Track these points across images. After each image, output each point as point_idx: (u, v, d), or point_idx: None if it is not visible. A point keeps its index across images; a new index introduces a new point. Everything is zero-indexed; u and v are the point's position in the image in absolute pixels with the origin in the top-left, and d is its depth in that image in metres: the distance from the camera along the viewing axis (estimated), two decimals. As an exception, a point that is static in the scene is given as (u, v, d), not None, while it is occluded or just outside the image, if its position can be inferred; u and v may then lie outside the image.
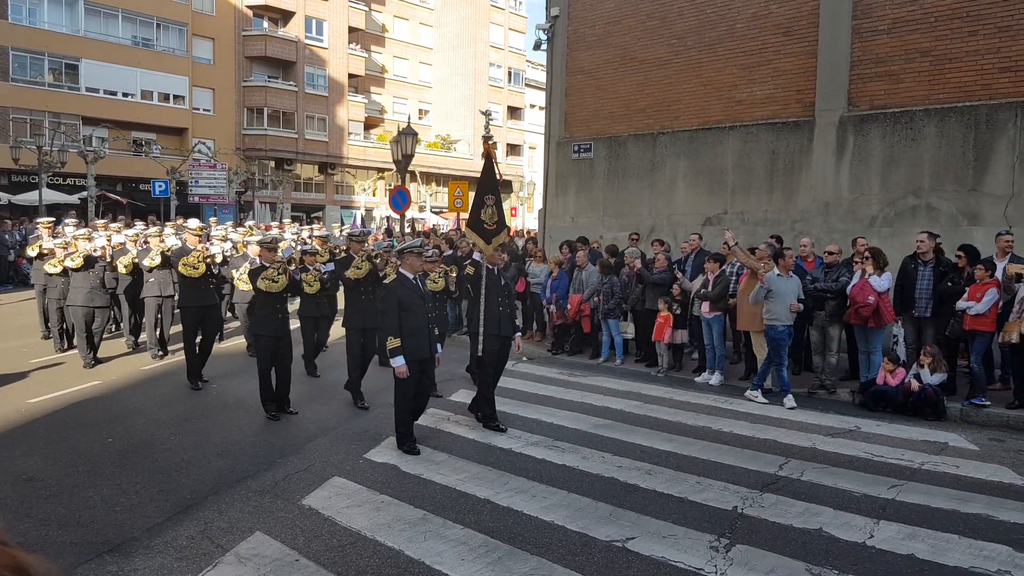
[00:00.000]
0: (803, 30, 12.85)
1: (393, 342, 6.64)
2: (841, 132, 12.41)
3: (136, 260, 10.86)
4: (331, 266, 10.56)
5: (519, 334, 8.18)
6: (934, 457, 6.89)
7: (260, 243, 8.52)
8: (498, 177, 8.28)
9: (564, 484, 5.97)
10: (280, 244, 9.23)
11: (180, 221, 17.32)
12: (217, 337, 11.19)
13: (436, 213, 43.18)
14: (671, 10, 14.60)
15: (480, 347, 7.72)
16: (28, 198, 28.37)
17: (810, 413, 8.58)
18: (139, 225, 15.01)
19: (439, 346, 7.31)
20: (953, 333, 8.84)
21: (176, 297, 10.74)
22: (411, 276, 6.96)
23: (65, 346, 11.44)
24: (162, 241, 11.10)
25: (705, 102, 14.15)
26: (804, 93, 12.89)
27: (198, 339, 9.49)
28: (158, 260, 10.50)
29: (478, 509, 5.46)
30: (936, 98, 11.53)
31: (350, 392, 8.75)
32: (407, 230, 19.59)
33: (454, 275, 9.71)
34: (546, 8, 16.83)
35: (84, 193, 27.99)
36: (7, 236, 20.63)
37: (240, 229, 15.89)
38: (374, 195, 44.99)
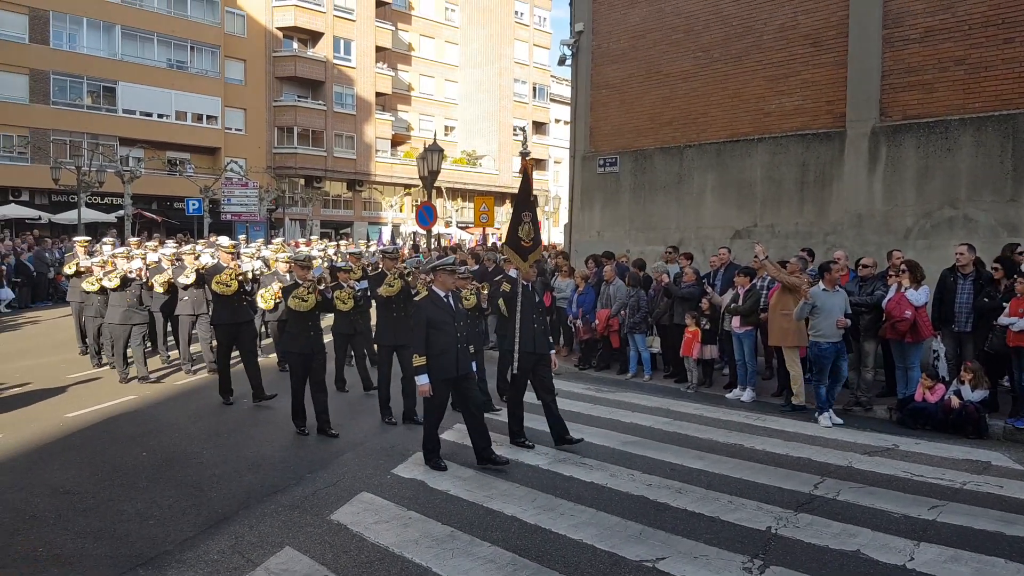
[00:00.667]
0: (832, 40, 12.72)
1: (418, 360, 6.59)
2: (873, 143, 12.24)
3: (171, 279, 11.05)
4: (364, 283, 10.56)
5: (553, 350, 8.06)
6: (976, 477, 6.69)
7: (293, 261, 8.48)
8: (533, 194, 8.17)
9: (592, 502, 5.90)
10: (312, 262, 9.19)
11: (212, 238, 17.58)
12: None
13: (462, 228, 43.34)
14: (697, 23, 14.55)
15: (515, 364, 7.61)
16: (67, 217, 29.01)
17: (846, 431, 8.40)
18: (170, 244, 15.26)
19: (473, 364, 7.16)
20: (993, 348, 8.60)
21: (209, 314, 10.89)
22: (443, 294, 6.85)
23: (103, 361, 11.56)
24: (197, 259, 11.21)
25: (733, 114, 14.06)
26: (834, 104, 12.75)
27: (235, 356, 9.57)
28: (193, 278, 10.61)
29: (506, 526, 5.41)
30: (971, 107, 11.32)
31: (379, 407, 8.71)
32: (432, 245, 19.63)
33: (485, 292, 9.67)
34: (570, 23, 16.88)
35: (121, 212, 28.54)
36: (47, 254, 21.05)
37: (271, 246, 16.04)
38: (401, 211, 45.32)
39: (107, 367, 11.28)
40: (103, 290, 10.60)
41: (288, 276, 10.19)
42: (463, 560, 4.83)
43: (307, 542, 5.12)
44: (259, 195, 33.50)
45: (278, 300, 9.51)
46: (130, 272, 10.62)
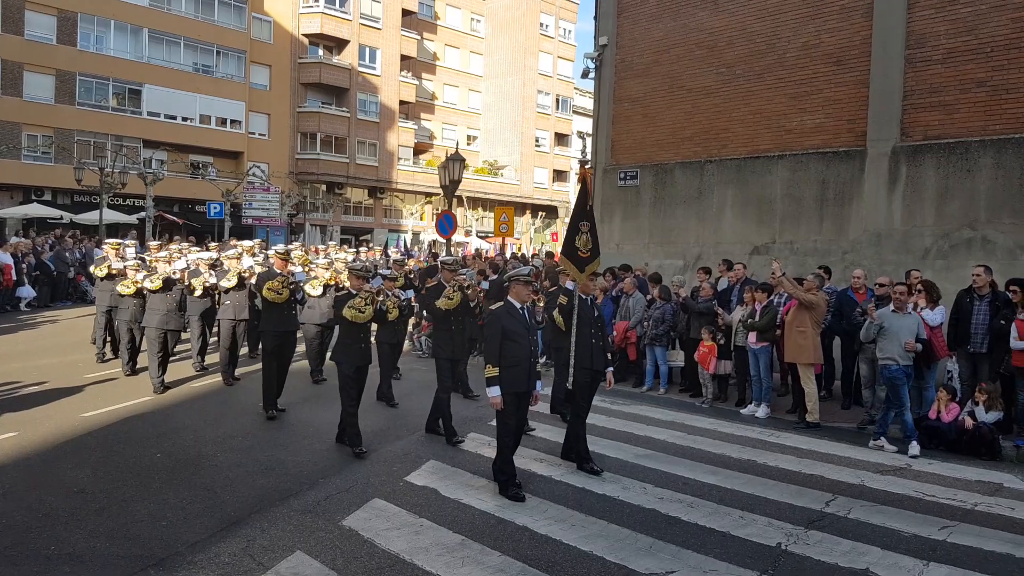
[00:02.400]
0: (854, 59, 12.72)
1: (490, 371, 6.35)
2: (893, 162, 12.20)
3: (207, 282, 10.74)
4: (410, 293, 10.45)
5: (610, 368, 7.72)
6: (988, 498, 6.65)
7: (351, 271, 8.07)
8: (590, 203, 7.87)
9: (604, 514, 5.92)
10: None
11: (233, 242, 17.69)
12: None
13: (482, 237, 43.46)
14: (720, 39, 14.59)
15: (570, 381, 7.30)
16: (89, 218, 29.37)
17: (859, 449, 8.36)
18: (198, 248, 15.18)
19: (539, 383, 6.88)
20: (1008, 370, 8.56)
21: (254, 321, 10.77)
22: (518, 305, 6.63)
23: (107, 357, 11.78)
24: (239, 261, 11.08)
25: (754, 131, 14.07)
26: (855, 123, 12.74)
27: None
28: (234, 281, 10.45)
29: (517, 536, 5.44)
30: (993, 129, 11.29)
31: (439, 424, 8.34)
32: (446, 253, 19.65)
33: (541, 305, 9.56)
34: (595, 37, 16.97)
35: (143, 213, 28.90)
36: (68, 254, 21.31)
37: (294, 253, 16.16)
38: (422, 219, 45.52)
39: (120, 368, 11.32)
40: (139, 292, 10.34)
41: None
42: (473, 568, 4.86)
43: (318, 547, 5.16)
44: (280, 200, 33.79)
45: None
46: (174, 273, 10.37)
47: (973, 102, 11.47)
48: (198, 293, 10.73)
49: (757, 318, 9.93)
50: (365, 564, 4.91)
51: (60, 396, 9.52)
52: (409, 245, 38.18)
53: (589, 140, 8.45)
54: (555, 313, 8.02)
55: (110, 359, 12.12)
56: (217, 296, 11.11)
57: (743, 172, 14.19)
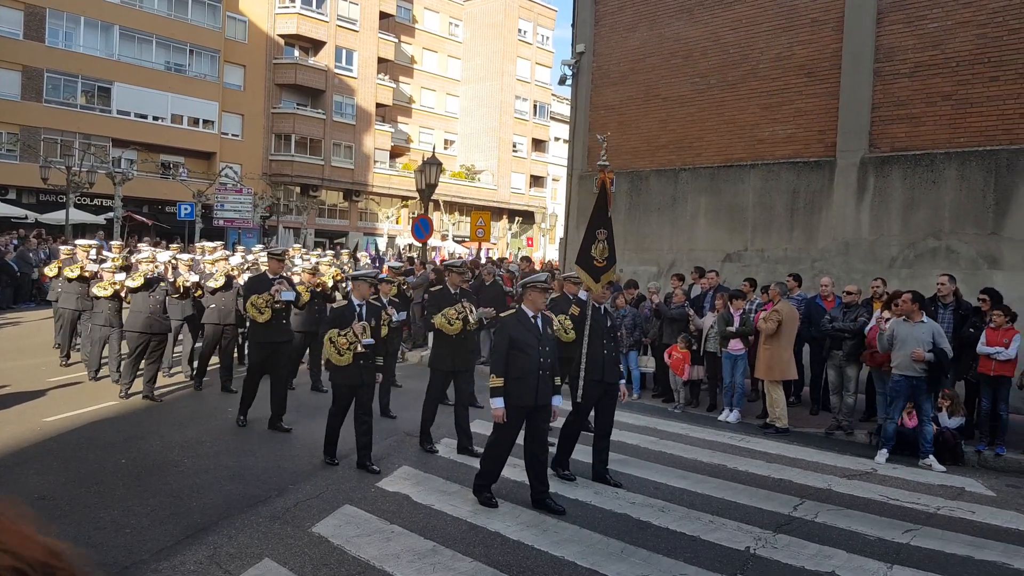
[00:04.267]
0: (825, 72, 12.92)
1: (495, 381, 6.06)
2: (862, 173, 12.40)
3: (187, 281, 10.26)
4: (403, 315, 9.90)
5: (623, 380, 7.48)
6: (950, 502, 6.79)
7: (358, 279, 7.58)
8: (608, 210, 7.55)
9: (576, 519, 5.94)
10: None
11: (201, 246, 17.36)
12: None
13: (458, 242, 43.41)
14: (695, 49, 14.74)
15: (579, 392, 7.02)
16: (55, 217, 28.81)
17: (826, 454, 8.48)
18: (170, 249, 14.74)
19: (559, 398, 6.47)
20: (974, 377, 8.73)
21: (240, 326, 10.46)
22: (531, 314, 6.27)
23: (70, 362, 11.50)
24: (227, 261, 10.77)
25: (727, 140, 14.22)
26: (825, 134, 12.93)
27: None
28: (221, 282, 10.07)
29: (488, 542, 5.44)
30: (957, 142, 11.52)
31: (420, 440, 8.07)
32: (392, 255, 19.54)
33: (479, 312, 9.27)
34: (572, 44, 17.06)
35: (111, 214, 28.42)
36: (31, 254, 20.93)
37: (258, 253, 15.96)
38: (398, 223, 45.35)
39: (84, 370, 11.13)
40: (116, 295, 9.88)
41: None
42: (444, 575, 4.85)
43: (287, 554, 5.11)
44: (253, 202, 33.49)
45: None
46: (157, 268, 9.80)
47: (939, 115, 11.70)
48: (176, 295, 10.30)
49: (736, 324, 10.03)
50: (335, 571, 4.88)
51: (22, 400, 9.28)
52: (382, 249, 38.02)
53: (605, 144, 8.06)
54: (558, 319, 7.45)
55: (75, 363, 11.74)
56: (192, 299, 10.74)
57: (716, 180, 14.34)
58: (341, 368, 7.08)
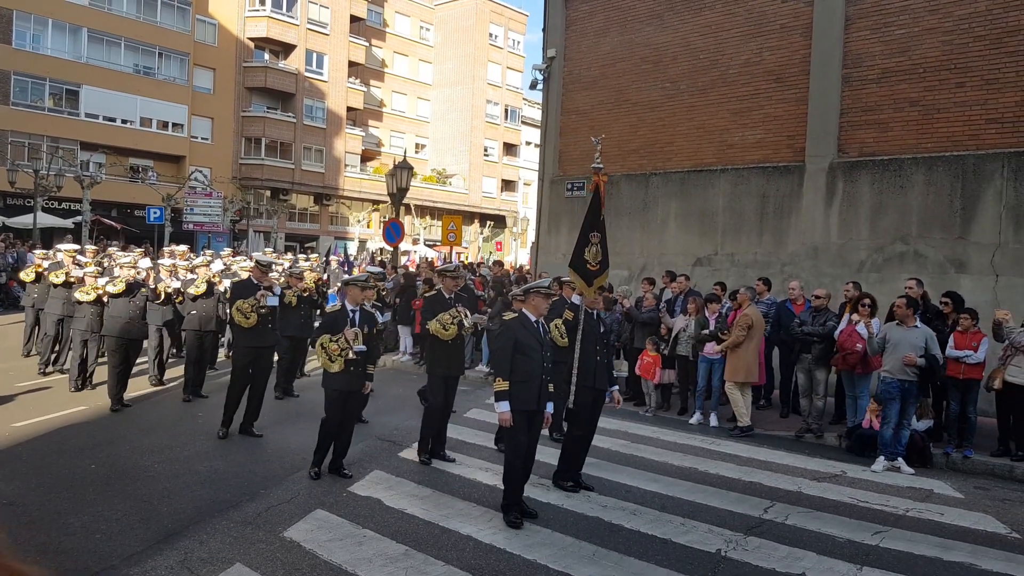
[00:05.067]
0: (794, 77, 13.10)
1: (500, 384, 5.97)
2: (831, 178, 12.59)
3: (169, 287, 10.20)
4: (387, 316, 9.75)
5: (616, 387, 7.42)
6: (919, 504, 6.90)
7: (352, 283, 7.35)
8: (602, 213, 7.42)
9: (547, 522, 5.95)
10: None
11: (170, 250, 17.15)
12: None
13: (430, 246, 43.33)
14: (665, 54, 14.87)
15: (571, 400, 6.92)
16: (22, 221, 28.37)
17: (796, 456, 8.58)
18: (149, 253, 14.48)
19: (550, 405, 6.35)
20: (941, 380, 8.88)
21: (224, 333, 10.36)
22: (533, 319, 6.24)
23: (49, 370, 11.27)
24: (208, 267, 10.64)
25: (697, 145, 14.35)
26: (795, 139, 13.10)
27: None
28: (203, 288, 9.95)
29: (460, 546, 5.43)
30: (924, 147, 11.73)
31: (419, 448, 7.82)
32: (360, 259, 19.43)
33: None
34: (543, 49, 17.13)
35: (79, 217, 28.01)
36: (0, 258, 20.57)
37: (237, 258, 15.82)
38: (369, 227, 45.18)
39: (57, 374, 11.00)
40: (99, 300, 9.70)
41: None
42: (415, 578, 4.84)
43: (258, 559, 5.07)
44: (223, 205, 33.16)
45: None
46: (139, 274, 9.64)
47: (906, 121, 11.91)
48: (159, 301, 10.18)
49: (712, 327, 10.12)
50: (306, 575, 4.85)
51: (-11, 406, 9.17)
52: (352, 253, 37.82)
53: (599, 146, 7.88)
54: (553, 324, 7.33)
55: (52, 372, 11.43)
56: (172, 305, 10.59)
57: (686, 185, 14.46)
58: (333, 375, 6.91)
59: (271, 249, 25.86)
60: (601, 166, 7.52)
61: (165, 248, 17.96)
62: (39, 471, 6.80)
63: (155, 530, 5.50)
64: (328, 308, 7.94)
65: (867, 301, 9.19)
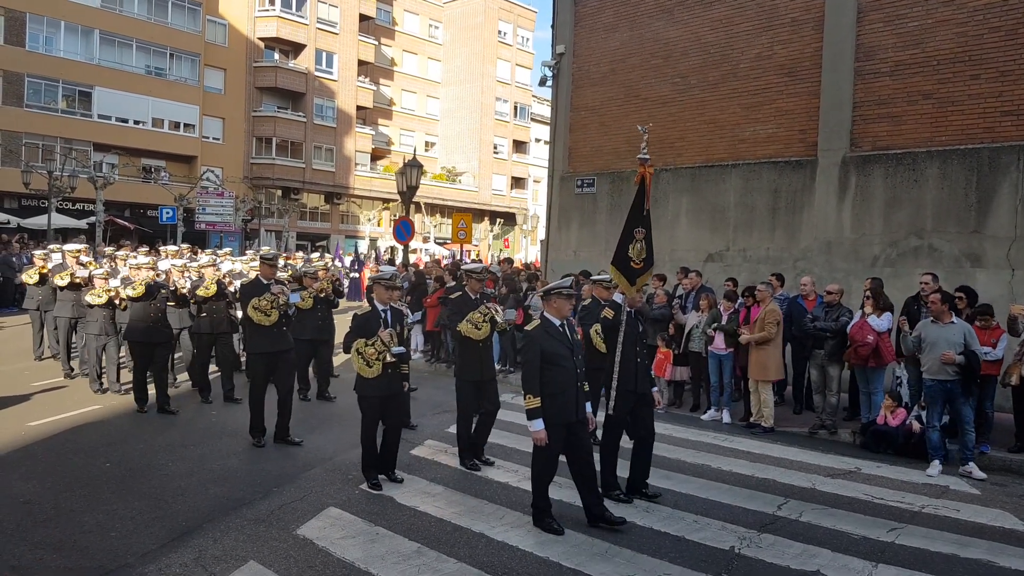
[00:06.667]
0: (806, 71, 13.00)
1: (531, 402, 5.57)
2: (843, 172, 12.49)
3: (183, 289, 9.98)
4: (418, 316, 9.33)
5: (656, 388, 7.08)
6: (935, 500, 6.84)
7: (379, 281, 6.99)
8: (647, 208, 6.97)
9: (560, 520, 5.92)
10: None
11: (165, 250, 16.98)
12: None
13: (440, 244, 43.39)
14: (675, 49, 14.80)
15: (610, 404, 6.52)
16: (37, 222, 28.63)
17: (810, 453, 8.52)
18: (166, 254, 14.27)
19: (588, 406, 6.01)
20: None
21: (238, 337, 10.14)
22: (557, 322, 5.84)
23: (74, 372, 11.09)
24: (217, 269, 10.48)
25: (708, 140, 14.28)
26: (807, 133, 13.01)
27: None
28: (213, 290, 9.74)
29: (473, 543, 5.43)
30: (938, 140, 11.62)
31: (459, 451, 7.58)
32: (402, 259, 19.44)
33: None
34: (552, 45, 17.09)
35: (92, 218, 28.20)
36: (14, 259, 20.71)
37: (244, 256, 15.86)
38: (379, 225, 45.28)
39: (79, 375, 11.02)
40: (110, 303, 9.57)
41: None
42: (428, 576, 4.84)
43: (272, 556, 5.09)
44: (235, 205, 33.30)
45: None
46: (159, 276, 9.39)
47: (920, 114, 11.80)
48: (172, 303, 9.96)
49: (724, 322, 10.08)
50: (319, 573, 4.85)
51: (5, 405, 9.25)
52: (363, 251, 37.90)
53: (646, 135, 7.38)
54: (593, 330, 7.06)
55: (77, 375, 11.17)
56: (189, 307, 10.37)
57: (697, 181, 14.39)
58: (369, 380, 6.57)
59: (268, 248, 25.81)
60: (647, 157, 7.04)
61: (163, 249, 17.97)
62: (54, 470, 6.85)
63: (169, 528, 5.53)
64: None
65: (868, 292, 9.13)
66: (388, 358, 6.53)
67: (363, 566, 4.95)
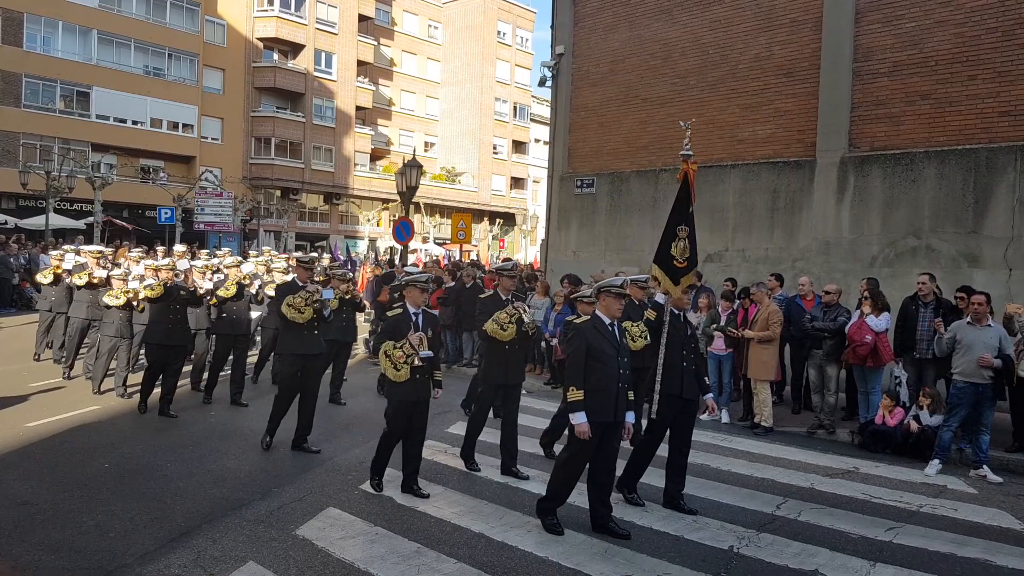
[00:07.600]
0: (804, 72, 13.02)
1: (574, 394, 5.53)
2: (842, 172, 12.51)
3: (201, 290, 9.83)
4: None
5: (710, 395, 6.82)
6: (932, 499, 6.85)
7: (415, 283, 6.83)
8: (693, 204, 6.80)
9: (560, 519, 5.92)
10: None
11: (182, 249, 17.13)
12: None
13: (439, 244, 43.39)
14: (674, 50, 14.81)
15: (653, 408, 6.39)
16: (35, 222, 28.55)
17: (809, 453, 8.54)
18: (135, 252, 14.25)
19: (631, 414, 5.86)
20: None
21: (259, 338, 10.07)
22: (607, 321, 5.75)
23: (72, 374, 11.01)
24: (239, 269, 10.39)
25: (707, 140, 14.26)
26: (805, 133, 13.03)
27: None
28: (232, 291, 9.66)
29: (473, 543, 5.43)
30: (936, 140, 11.64)
31: (463, 459, 7.48)
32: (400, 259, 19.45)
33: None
34: (552, 46, 17.11)
35: (91, 218, 28.19)
36: (12, 260, 20.70)
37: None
38: (378, 225, 45.27)
39: (80, 377, 11.00)
40: (128, 304, 9.46)
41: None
42: (428, 576, 4.84)
43: (271, 557, 5.09)
44: (234, 205, 33.27)
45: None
46: (177, 277, 9.25)
47: (918, 114, 11.82)
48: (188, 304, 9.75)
49: (723, 323, 10.10)
50: (319, 573, 4.86)
51: (3, 406, 9.22)
52: (360, 251, 37.89)
53: (688, 131, 7.22)
54: (635, 328, 6.75)
55: (79, 376, 11.10)
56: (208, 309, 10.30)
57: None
58: (397, 384, 6.37)
59: (269, 248, 25.76)
60: (691, 153, 6.83)
61: (160, 249, 17.95)
62: (53, 470, 6.85)
63: (168, 529, 5.53)
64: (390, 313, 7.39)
65: (865, 293, 9.15)
66: (416, 362, 6.33)
67: (363, 566, 4.95)
